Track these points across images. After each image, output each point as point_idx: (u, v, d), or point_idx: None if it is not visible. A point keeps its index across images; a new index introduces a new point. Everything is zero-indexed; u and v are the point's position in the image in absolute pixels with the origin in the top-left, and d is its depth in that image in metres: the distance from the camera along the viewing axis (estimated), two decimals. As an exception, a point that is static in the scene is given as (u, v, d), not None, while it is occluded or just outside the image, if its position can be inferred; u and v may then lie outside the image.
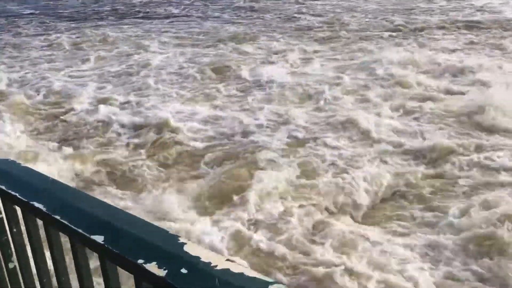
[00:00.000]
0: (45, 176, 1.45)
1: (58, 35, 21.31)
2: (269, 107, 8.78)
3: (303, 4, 28.20)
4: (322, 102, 8.80)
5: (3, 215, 1.53)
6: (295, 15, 21.80)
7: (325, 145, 7.09)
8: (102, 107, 9.23)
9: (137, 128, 8.35)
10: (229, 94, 9.92)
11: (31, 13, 39.73)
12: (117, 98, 10.00)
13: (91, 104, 9.74)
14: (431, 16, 17.62)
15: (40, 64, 14.03)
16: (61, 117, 9.20)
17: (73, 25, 27.27)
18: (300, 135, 7.56)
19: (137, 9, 37.99)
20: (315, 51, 13.17)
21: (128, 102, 9.77)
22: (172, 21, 24.85)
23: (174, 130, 7.96)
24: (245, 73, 11.04)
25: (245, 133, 7.76)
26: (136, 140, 7.88)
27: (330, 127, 7.74)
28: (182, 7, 33.33)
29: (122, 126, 8.44)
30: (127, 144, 7.78)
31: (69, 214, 1.21)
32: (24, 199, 1.31)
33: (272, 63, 12.03)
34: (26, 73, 13.06)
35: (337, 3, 28.17)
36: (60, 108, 9.75)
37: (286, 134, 7.59)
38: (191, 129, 8.04)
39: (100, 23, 26.67)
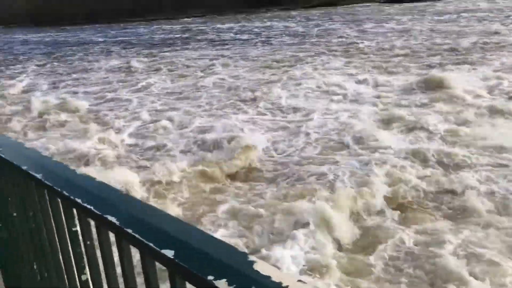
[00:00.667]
0: (118, 190, 1.51)
1: (130, 58, 24.50)
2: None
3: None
4: None
5: (78, 228, 1.59)
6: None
7: None
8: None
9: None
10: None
11: (103, 41, 42.76)
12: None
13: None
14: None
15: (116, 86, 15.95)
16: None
17: (145, 51, 29.10)
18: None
19: (206, 36, 39.79)
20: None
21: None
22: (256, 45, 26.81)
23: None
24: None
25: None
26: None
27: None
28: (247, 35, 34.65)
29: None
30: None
31: (141, 228, 1.23)
32: (98, 213, 1.34)
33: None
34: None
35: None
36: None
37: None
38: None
39: (172, 48, 28.68)
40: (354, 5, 65.61)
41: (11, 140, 1.95)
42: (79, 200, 1.42)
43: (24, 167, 1.69)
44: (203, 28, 47.75)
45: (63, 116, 12.17)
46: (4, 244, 2.20)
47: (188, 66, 20.80)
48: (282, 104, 11.97)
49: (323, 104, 11.61)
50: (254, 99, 12.70)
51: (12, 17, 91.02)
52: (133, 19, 76.51)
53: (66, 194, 1.48)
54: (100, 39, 44.33)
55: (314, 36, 30.83)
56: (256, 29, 40.81)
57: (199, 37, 39.22)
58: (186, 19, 70.20)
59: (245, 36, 35.38)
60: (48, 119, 12.07)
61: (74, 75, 20.17)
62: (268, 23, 47.04)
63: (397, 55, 18.15)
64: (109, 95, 14.79)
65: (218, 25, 50.72)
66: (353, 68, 16.35)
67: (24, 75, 21.40)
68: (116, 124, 11.25)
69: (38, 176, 1.60)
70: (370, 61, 17.54)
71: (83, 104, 13.39)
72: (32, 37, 55.14)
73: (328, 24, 38.85)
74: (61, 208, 1.62)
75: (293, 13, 61.71)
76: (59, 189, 1.51)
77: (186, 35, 41.77)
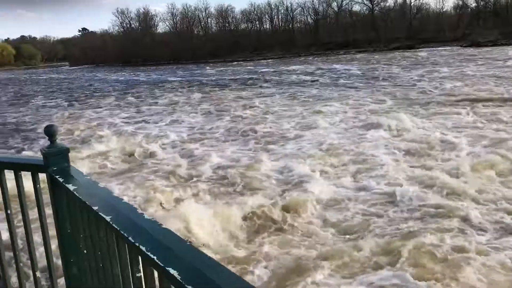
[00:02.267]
0: (183, 240, 1.50)
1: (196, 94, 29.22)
2: None
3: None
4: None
5: (141, 274, 1.61)
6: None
7: None
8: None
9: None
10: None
11: (174, 80, 45.10)
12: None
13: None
14: None
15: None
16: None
17: (205, 88, 30.96)
18: None
19: (265, 77, 40.65)
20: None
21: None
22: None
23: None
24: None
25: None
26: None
27: None
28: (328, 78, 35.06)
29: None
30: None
31: (202, 284, 1.24)
32: (160, 264, 1.35)
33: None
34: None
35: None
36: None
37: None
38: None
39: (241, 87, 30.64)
40: (433, 48, 63.47)
41: (86, 178, 2.02)
42: (143, 248, 1.44)
43: (95, 208, 1.74)
44: (267, 70, 49.38)
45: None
46: (75, 280, 2.26)
47: (226, 102, 24.47)
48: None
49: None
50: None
51: (103, 57, 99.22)
52: (213, 60, 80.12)
53: (132, 240, 1.50)
54: (173, 79, 47.26)
55: (371, 79, 30.95)
56: (318, 71, 41.47)
57: (256, 77, 40.92)
58: (262, 61, 72.25)
59: (299, 78, 36.02)
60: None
61: (137, 108, 25.33)
62: (332, 66, 47.42)
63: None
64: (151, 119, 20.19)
65: (282, 67, 51.82)
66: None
67: (99, 107, 26.93)
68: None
69: (107, 218, 1.65)
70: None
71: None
72: (113, 76, 60.36)
73: (391, 68, 38.09)
74: (127, 252, 1.64)
75: (364, 55, 60.95)
76: (126, 234, 1.54)
77: (248, 76, 43.85)
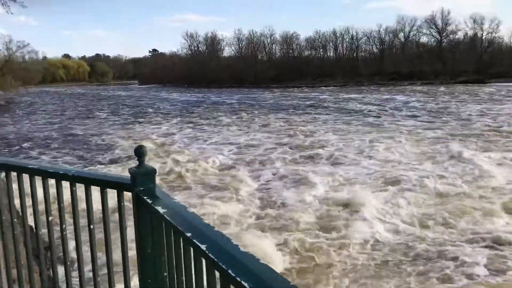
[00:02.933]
0: (286, 281, 1.42)
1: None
2: None
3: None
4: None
5: None
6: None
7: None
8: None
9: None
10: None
11: (231, 103, 45.89)
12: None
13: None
14: None
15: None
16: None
17: (283, 115, 31.42)
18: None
19: (320, 103, 40.39)
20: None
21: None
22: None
23: None
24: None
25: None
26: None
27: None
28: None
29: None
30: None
31: None
32: None
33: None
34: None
35: None
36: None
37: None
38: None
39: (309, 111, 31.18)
40: (502, 84, 60.52)
41: (173, 201, 2.06)
42: (245, 285, 1.36)
43: (189, 234, 1.72)
44: (325, 97, 49.13)
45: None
46: None
47: (274, 124, 25.78)
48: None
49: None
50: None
51: (170, 77, 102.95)
52: (275, 85, 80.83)
53: (232, 274, 1.43)
54: (230, 101, 48.29)
55: (426, 111, 30.15)
56: (373, 101, 40.70)
57: (309, 103, 41.07)
58: (324, 87, 71.96)
59: (358, 106, 35.52)
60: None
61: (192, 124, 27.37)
62: (390, 96, 46.34)
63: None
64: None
65: (342, 95, 51.26)
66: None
67: (162, 124, 28.83)
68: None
69: (203, 247, 1.60)
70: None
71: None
72: (175, 95, 62.56)
73: (451, 102, 36.65)
74: (220, 283, 1.57)
75: (429, 87, 59.03)
76: (224, 266, 1.47)
77: (304, 102, 44.38)
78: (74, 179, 2.49)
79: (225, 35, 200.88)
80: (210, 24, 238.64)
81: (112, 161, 16.99)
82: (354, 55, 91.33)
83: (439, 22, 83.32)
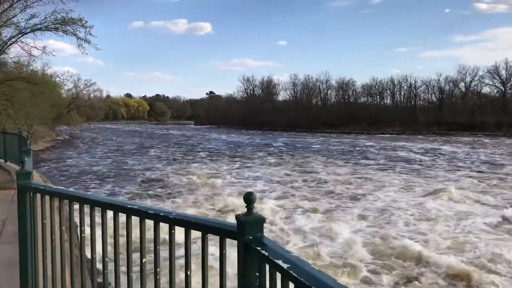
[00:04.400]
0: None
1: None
2: None
3: None
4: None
5: None
6: None
7: None
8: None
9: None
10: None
11: (277, 145, 46.08)
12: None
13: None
14: None
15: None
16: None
17: (295, 156, 31.03)
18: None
19: (363, 149, 39.34)
20: None
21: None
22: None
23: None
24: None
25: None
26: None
27: None
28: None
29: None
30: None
31: None
32: None
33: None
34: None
35: None
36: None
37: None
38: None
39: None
40: None
41: (286, 251, 2.05)
42: None
43: (285, 266, 1.79)
44: (371, 144, 47.89)
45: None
46: None
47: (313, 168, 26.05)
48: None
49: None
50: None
51: (225, 119, 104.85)
52: (329, 130, 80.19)
53: None
54: (277, 144, 48.58)
55: (468, 162, 29.44)
56: (421, 150, 39.33)
57: (351, 149, 40.65)
58: (380, 134, 70.50)
59: (398, 155, 34.48)
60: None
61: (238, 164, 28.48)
62: (439, 146, 44.54)
63: None
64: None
65: (391, 142, 49.92)
66: None
67: (203, 162, 30.29)
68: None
69: (306, 281, 1.66)
70: None
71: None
72: (225, 136, 64.04)
73: (494, 155, 34.58)
74: None
75: (486, 140, 56.14)
76: None
77: (345, 147, 43.89)
78: (175, 222, 2.45)
79: (281, 79, 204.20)
80: (266, 69, 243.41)
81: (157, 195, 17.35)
82: (412, 103, 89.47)
83: (503, 73, 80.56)
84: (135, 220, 2.62)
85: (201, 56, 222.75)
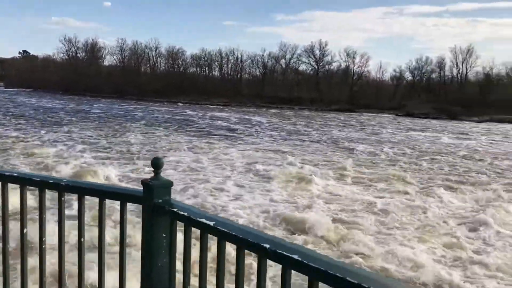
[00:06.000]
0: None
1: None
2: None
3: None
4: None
5: None
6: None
7: None
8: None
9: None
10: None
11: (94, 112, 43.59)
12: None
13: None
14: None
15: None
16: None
17: (126, 123, 30.37)
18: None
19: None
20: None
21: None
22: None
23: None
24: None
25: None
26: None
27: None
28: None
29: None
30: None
31: None
32: None
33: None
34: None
35: None
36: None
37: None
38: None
39: None
40: (371, 114, 66.87)
41: (177, 201, 2.15)
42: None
43: (204, 221, 1.93)
44: (191, 113, 49.45)
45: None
46: None
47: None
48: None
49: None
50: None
51: (43, 82, 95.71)
52: (159, 99, 79.29)
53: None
54: (93, 110, 47.03)
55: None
56: (236, 120, 42.32)
57: (180, 118, 41.30)
58: (208, 105, 72.57)
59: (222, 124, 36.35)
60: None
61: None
62: (255, 117, 48.22)
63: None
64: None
65: (214, 113, 52.15)
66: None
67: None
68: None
69: (224, 228, 1.81)
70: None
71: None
72: (34, 101, 59.19)
73: (326, 127, 39.17)
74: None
75: (306, 113, 62.60)
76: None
77: (169, 116, 43.89)
78: (66, 189, 2.39)
79: (107, 43, 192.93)
80: (91, 31, 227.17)
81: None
82: (238, 76, 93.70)
83: (317, 53, 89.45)
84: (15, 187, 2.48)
85: (13, 8, 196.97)
